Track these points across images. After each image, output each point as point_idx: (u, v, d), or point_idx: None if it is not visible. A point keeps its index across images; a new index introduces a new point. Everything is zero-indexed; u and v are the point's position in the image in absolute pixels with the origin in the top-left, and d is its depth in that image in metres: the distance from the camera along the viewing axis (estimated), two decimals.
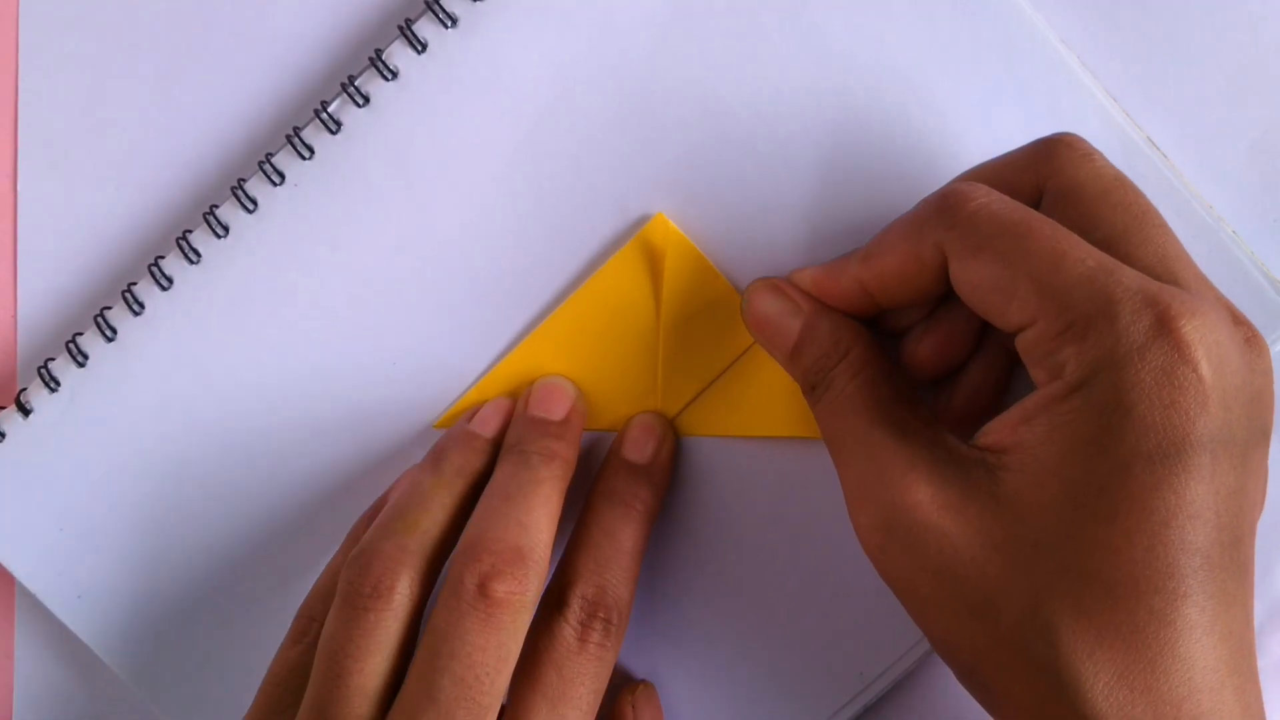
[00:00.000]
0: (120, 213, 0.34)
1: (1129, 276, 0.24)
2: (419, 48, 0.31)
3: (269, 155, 0.32)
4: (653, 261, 0.32)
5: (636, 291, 0.32)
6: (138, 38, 0.34)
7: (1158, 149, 0.32)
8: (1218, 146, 0.33)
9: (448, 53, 0.32)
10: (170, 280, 0.32)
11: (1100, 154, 0.27)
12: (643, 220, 0.32)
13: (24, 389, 0.33)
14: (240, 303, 0.33)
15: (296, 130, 0.32)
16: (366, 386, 0.33)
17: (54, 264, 0.34)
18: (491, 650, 0.27)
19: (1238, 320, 0.25)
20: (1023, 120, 0.32)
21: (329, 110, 0.32)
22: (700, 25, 0.32)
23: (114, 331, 0.33)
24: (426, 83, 0.32)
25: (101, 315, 0.33)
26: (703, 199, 0.32)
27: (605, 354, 0.32)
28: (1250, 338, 0.25)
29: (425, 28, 0.32)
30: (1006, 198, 0.26)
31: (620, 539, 0.30)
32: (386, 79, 0.32)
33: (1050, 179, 0.27)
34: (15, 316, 0.35)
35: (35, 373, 0.33)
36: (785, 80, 0.32)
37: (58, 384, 0.33)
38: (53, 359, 0.33)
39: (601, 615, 0.29)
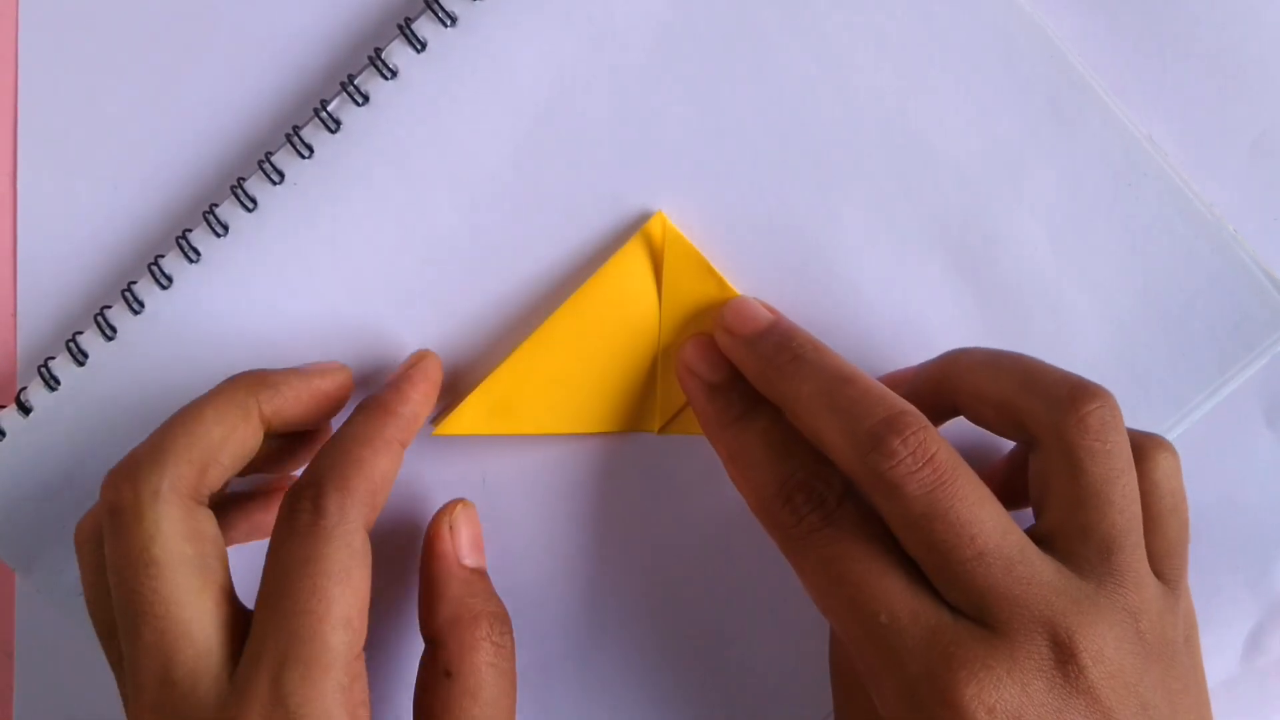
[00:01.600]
0: (120, 212, 0.34)
1: (919, 631, 0.25)
2: (418, 47, 0.31)
3: (268, 154, 0.32)
4: (652, 260, 0.32)
5: (637, 291, 0.32)
6: (138, 38, 0.34)
7: (1158, 149, 0.32)
8: (1218, 146, 0.33)
9: (447, 52, 0.32)
10: (170, 279, 0.32)
11: (1114, 437, 0.27)
12: (643, 218, 0.32)
13: (24, 388, 0.33)
14: (239, 301, 0.33)
15: (296, 129, 0.32)
16: (366, 387, 0.33)
17: (54, 264, 0.34)
18: (133, 556, 0.26)
19: (1058, 643, 0.25)
20: (1023, 120, 0.32)
21: (328, 109, 0.32)
22: (700, 25, 0.32)
23: (114, 330, 0.33)
24: (426, 82, 0.32)
25: (101, 314, 0.33)
26: (702, 198, 0.32)
27: (606, 354, 0.32)
28: (1065, 675, 0.24)
29: (425, 27, 0.32)
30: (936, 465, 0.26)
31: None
32: (386, 78, 0.32)
33: (1049, 432, 0.27)
34: (15, 316, 0.35)
35: (35, 371, 0.33)
36: (785, 80, 0.32)
37: (58, 383, 0.33)
38: (53, 358, 0.33)
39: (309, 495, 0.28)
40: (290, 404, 0.30)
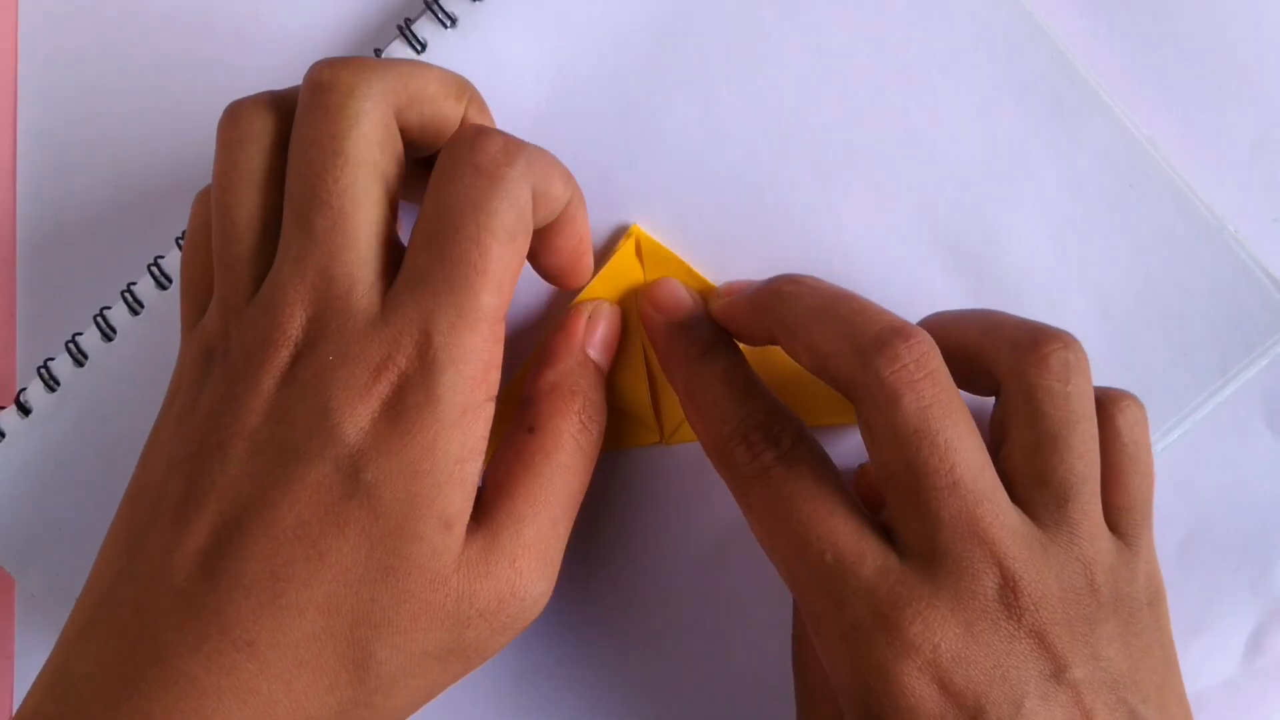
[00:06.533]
0: (120, 212, 0.34)
1: (865, 572, 0.25)
2: (418, 48, 0.31)
3: None
4: (631, 275, 0.32)
5: (623, 306, 0.32)
6: (138, 36, 0.34)
7: (1159, 149, 0.32)
8: (1218, 147, 0.33)
9: (447, 53, 0.32)
10: (170, 279, 0.32)
11: (1077, 379, 0.27)
12: (645, 217, 0.32)
13: (24, 389, 0.33)
14: None
15: None
16: None
17: (54, 264, 0.34)
18: (323, 141, 0.25)
19: (1007, 584, 0.25)
20: (1024, 120, 0.32)
21: None
22: (700, 25, 0.32)
23: (114, 331, 0.33)
24: None
25: (101, 315, 0.33)
26: (703, 199, 0.32)
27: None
28: (1008, 615, 0.25)
29: (425, 28, 0.32)
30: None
31: None
32: None
33: (1010, 374, 0.27)
34: (15, 316, 0.35)
35: (35, 372, 0.33)
36: (785, 80, 0.32)
37: (57, 383, 0.33)
38: (52, 359, 0.33)
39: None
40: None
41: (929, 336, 0.26)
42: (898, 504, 0.26)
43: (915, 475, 0.25)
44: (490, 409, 0.25)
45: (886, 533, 0.26)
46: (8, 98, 0.34)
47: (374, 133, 0.25)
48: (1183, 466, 0.33)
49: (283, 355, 0.25)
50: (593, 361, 0.30)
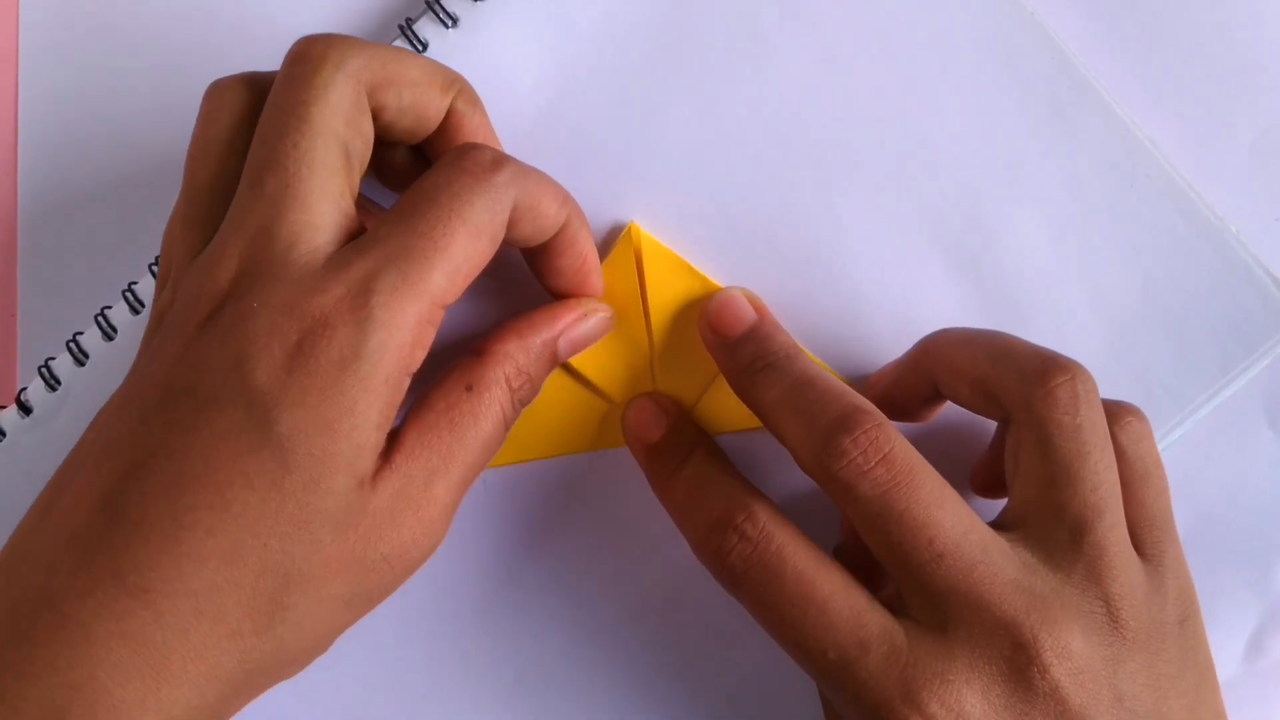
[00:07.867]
0: (120, 212, 0.34)
1: (872, 662, 0.25)
2: (420, 47, 0.32)
3: None
4: (630, 273, 0.32)
5: (623, 305, 0.32)
6: (138, 37, 0.34)
7: (1159, 149, 0.32)
8: (1218, 147, 0.33)
9: (448, 53, 0.32)
10: None
11: (1086, 411, 0.27)
12: (645, 216, 0.32)
13: (24, 388, 0.33)
14: None
15: None
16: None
17: (54, 264, 0.34)
18: (289, 106, 0.25)
19: (1019, 645, 0.24)
20: (1024, 120, 0.32)
21: None
22: (700, 25, 0.32)
23: (114, 330, 0.33)
24: None
25: (102, 314, 0.33)
26: (703, 199, 0.32)
27: (602, 372, 0.32)
28: (1027, 678, 0.24)
29: (426, 27, 0.32)
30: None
31: None
32: None
33: (1020, 406, 0.27)
34: (16, 316, 0.35)
35: (36, 372, 0.33)
36: (785, 80, 0.32)
37: (58, 383, 0.33)
38: (53, 358, 0.33)
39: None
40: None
41: (879, 417, 0.26)
42: (896, 576, 0.26)
43: (896, 555, 0.25)
44: (406, 385, 0.25)
45: (894, 599, 0.26)
46: (8, 98, 0.34)
47: (341, 104, 0.25)
48: (1183, 466, 0.33)
49: (211, 306, 0.24)
50: (557, 351, 0.29)
